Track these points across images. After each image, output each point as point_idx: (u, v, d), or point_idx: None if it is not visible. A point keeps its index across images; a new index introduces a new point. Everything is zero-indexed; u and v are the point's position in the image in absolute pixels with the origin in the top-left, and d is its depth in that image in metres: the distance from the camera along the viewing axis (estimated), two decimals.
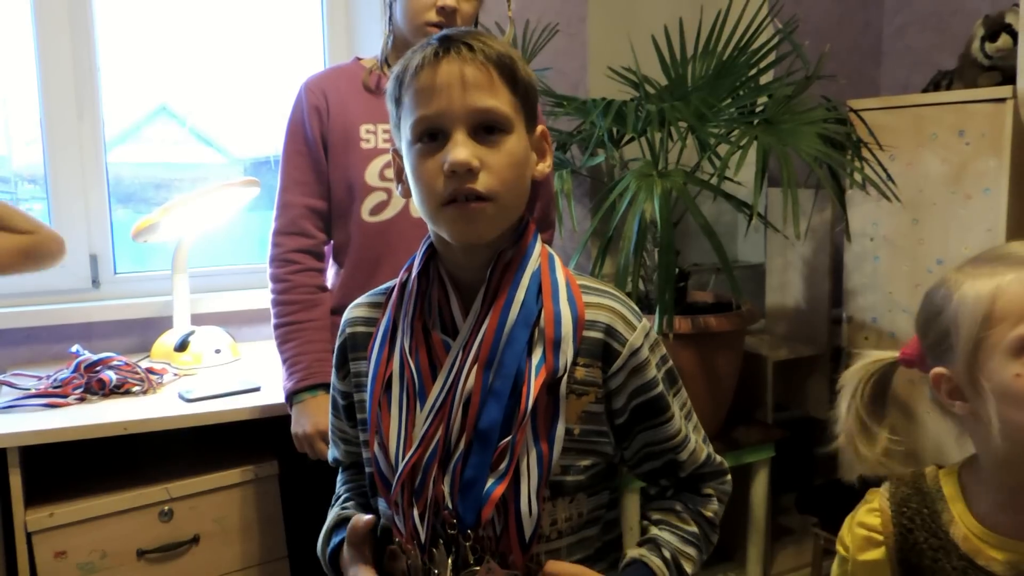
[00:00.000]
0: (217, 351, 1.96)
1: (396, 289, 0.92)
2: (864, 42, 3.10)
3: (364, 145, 1.54)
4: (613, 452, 0.91)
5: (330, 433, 1.04)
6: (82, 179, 2.07)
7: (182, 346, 1.92)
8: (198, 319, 2.06)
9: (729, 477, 0.98)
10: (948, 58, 2.71)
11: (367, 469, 0.95)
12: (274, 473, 1.68)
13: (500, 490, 0.80)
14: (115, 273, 2.13)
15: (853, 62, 3.05)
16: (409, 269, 0.92)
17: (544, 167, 0.91)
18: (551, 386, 0.83)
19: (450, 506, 0.82)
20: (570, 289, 0.88)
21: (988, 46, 2.26)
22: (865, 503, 1.00)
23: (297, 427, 1.50)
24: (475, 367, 0.82)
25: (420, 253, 0.91)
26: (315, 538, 1.00)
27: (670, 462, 0.93)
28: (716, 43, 2.05)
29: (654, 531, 0.92)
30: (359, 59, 1.66)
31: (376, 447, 0.87)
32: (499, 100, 0.82)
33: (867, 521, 0.98)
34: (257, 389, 1.71)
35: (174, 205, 1.91)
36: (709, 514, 0.94)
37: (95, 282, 2.09)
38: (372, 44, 2.28)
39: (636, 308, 0.91)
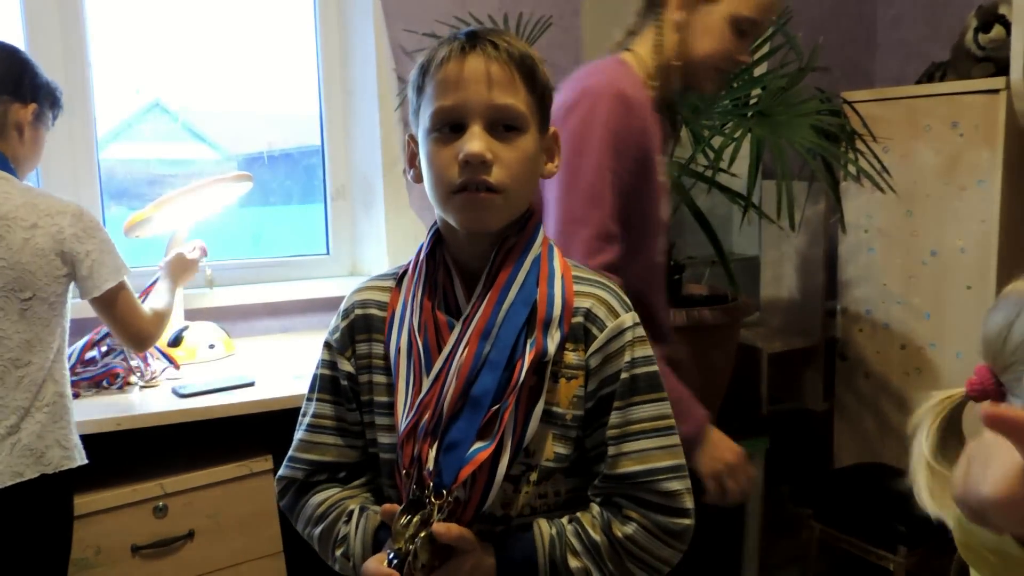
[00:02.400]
0: (211, 346, 1.96)
1: (411, 271, 0.94)
2: (858, 34, 3.10)
3: (660, 178, 1.35)
4: (583, 436, 0.92)
5: (310, 434, 0.97)
6: (74, 175, 2.06)
7: (176, 341, 1.92)
8: (192, 315, 2.05)
9: (681, 520, 0.88)
10: (941, 50, 2.71)
11: (371, 450, 0.95)
12: (268, 468, 1.67)
13: (484, 455, 0.83)
14: None
15: (847, 54, 3.05)
16: (419, 253, 0.95)
17: (552, 168, 0.94)
18: (539, 368, 0.86)
19: (431, 467, 0.84)
20: (563, 277, 0.91)
21: (981, 37, 2.26)
22: None
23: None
24: (472, 337, 0.86)
25: (428, 238, 0.94)
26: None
27: (603, 455, 0.90)
28: None
29: (564, 519, 0.90)
30: (622, 60, 1.36)
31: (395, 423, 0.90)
32: (517, 99, 0.85)
33: None
34: (251, 384, 1.71)
35: (167, 200, 1.90)
36: (620, 534, 0.87)
37: None
38: (364, 40, 2.28)
39: (628, 303, 0.93)
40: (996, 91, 2.15)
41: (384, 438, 0.93)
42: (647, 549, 0.87)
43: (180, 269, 1.88)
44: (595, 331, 0.89)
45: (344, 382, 0.96)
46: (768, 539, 2.63)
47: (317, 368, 0.99)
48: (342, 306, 0.98)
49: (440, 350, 0.88)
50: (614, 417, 0.88)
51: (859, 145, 2.07)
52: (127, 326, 1.51)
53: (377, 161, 2.29)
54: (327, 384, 0.97)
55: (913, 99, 2.38)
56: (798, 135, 1.82)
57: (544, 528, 0.89)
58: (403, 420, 0.88)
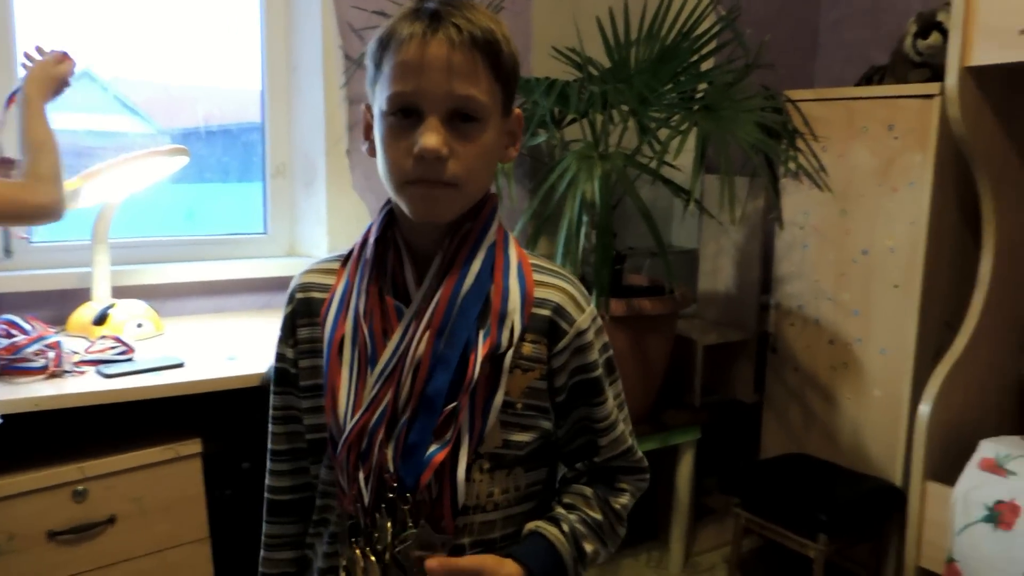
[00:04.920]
0: (139, 325, 1.89)
1: (356, 253, 0.92)
2: (800, 35, 3.16)
3: None
4: (552, 429, 0.93)
5: (274, 423, 0.99)
6: None
7: (101, 319, 1.84)
8: (119, 292, 1.97)
9: (648, 476, 0.99)
10: (881, 53, 2.78)
11: (308, 436, 0.95)
12: (197, 452, 1.63)
13: (441, 456, 0.83)
14: (31, 243, 2.02)
15: (789, 54, 3.11)
16: (367, 234, 0.92)
17: (514, 152, 0.92)
18: (494, 359, 0.85)
19: (391, 470, 0.83)
20: (521, 267, 0.90)
21: (920, 43, 2.32)
22: None
23: None
24: (427, 334, 0.84)
25: (380, 218, 0.92)
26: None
27: (591, 443, 0.94)
28: (660, 28, 2.05)
29: (559, 510, 0.93)
30: None
31: (329, 409, 0.88)
32: (479, 89, 0.82)
33: None
34: (180, 365, 1.65)
35: (96, 171, 1.82)
36: (617, 506, 0.95)
37: (7, 251, 1.98)
38: (310, 15, 2.22)
39: (586, 292, 0.93)
40: (931, 96, 2.22)
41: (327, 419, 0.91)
42: (629, 510, 0.96)
43: (44, 82, 1.55)
44: (564, 326, 0.89)
45: (292, 370, 0.95)
46: (695, 526, 2.69)
47: (272, 361, 0.99)
48: (292, 287, 0.97)
49: (385, 336, 0.86)
50: (597, 409, 0.92)
51: (799, 143, 2.11)
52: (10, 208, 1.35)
53: (320, 140, 2.24)
54: (279, 376, 0.98)
55: (852, 100, 2.43)
56: (742, 131, 1.85)
57: (552, 529, 0.90)
58: (348, 415, 0.86)
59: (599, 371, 0.92)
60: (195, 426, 1.67)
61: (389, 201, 0.91)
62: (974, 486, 2.08)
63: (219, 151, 2.37)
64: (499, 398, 0.85)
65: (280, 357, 0.97)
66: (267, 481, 1.00)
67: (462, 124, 0.82)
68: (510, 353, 0.86)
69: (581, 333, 0.89)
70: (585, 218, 1.83)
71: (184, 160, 1.96)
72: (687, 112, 1.91)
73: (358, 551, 0.85)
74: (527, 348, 0.88)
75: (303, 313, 0.94)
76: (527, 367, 0.88)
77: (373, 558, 0.84)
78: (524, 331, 0.87)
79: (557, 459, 0.98)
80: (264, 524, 1.01)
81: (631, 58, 2.06)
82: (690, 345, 2.65)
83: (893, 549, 2.38)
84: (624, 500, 0.95)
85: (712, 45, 2.06)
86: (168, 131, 2.29)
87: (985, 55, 1.98)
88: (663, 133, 1.89)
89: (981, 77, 2.04)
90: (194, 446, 1.63)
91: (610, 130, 1.96)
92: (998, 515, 2.00)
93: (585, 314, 0.90)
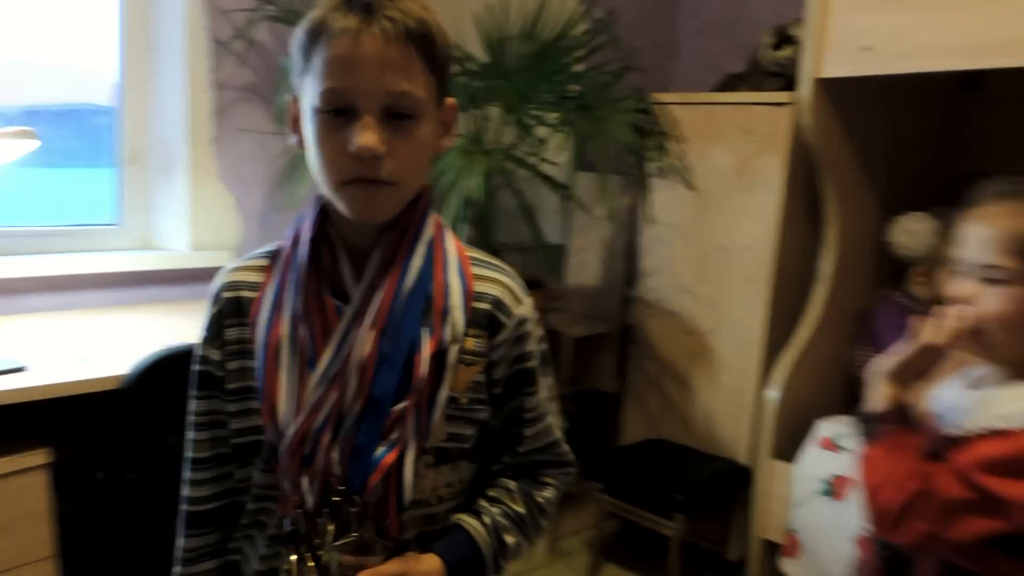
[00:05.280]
0: None
1: (287, 250, 0.89)
2: (662, 41, 3.28)
3: None
4: (490, 420, 0.93)
5: (196, 430, 0.94)
6: None
7: None
8: None
9: (573, 470, 1.00)
10: (735, 62, 2.94)
11: (235, 440, 0.90)
12: (42, 463, 1.50)
13: (390, 458, 0.82)
14: None
15: (651, 58, 3.22)
16: (298, 231, 0.89)
17: (448, 142, 0.91)
18: (438, 355, 0.85)
19: (338, 473, 0.82)
20: (460, 261, 0.90)
21: (775, 54, 2.47)
22: None
23: None
24: (372, 333, 0.83)
25: (312, 215, 0.88)
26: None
27: (517, 435, 0.95)
28: (537, 27, 2.07)
29: (482, 503, 0.94)
30: None
31: (266, 413, 0.85)
32: (414, 83, 0.80)
33: None
34: (21, 369, 1.50)
35: None
36: (540, 499, 0.96)
37: None
38: None
39: (523, 283, 0.94)
40: (784, 104, 2.37)
41: (260, 421, 0.87)
42: (554, 504, 0.98)
43: None
44: (503, 319, 0.90)
45: (218, 373, 0.91)
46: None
47: (193, 364, 0.93)
48: (210, 291, 0.92)
49: (325, 336, 0.83)
50: (528, 399, 0.93)
51: (666, 144, 2.20)
52: None
53: (181, 126, 2.10)
54: (203, 379, 0.92)
55: (713, 105, 2.57)
56: (617, 131, 1.90)
57: (472, 522, 0.91)
58: (289, 418, 0.83)
59: (534, 362, 0.93)
60: (41, 435, 1.53)
61: (320, 197, 0.88)
62: (813, 463, 2.27)
63: (67, 134, 2.18)
64: (444, 394, 0.85)
65: (204, 360, 0.92)
66: (185, 492, 0.95)
67: (398, 120, 0.80)
68: (455, 349, 0.86)
69: (519, 324, 0.91)
70: (464, 213, 1.83)
71: (33, 144, 1.77)
72: (565, 111, 1.95)
73: (295, 557, 0.84)
74: (469, 342, 0.88)
75: (231, 313, 0.90)
76: (470, 361, 0.88)
77: (312, 563, 0.83)
78: (467, 326, 0.87)
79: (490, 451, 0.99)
80: (181, 538, 0.95)
81: (509, 56, 2.07)
82: (558, 338, 2.71)
83: (740, 524, 2.55)
84: (547, 494, 0.96)
85: (588, 47, 2.10)
86: (5, 109, 2.08)
87: (834, 68, 2.15)
88: (541, 131, 1.91)
89: (830, 88, 2.21)
90: (39, 457, 1.50)
91: (487, 127, 1.97)
92: (833, 488, 2.20)
93: (523, 306, 0.92)
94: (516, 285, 0.92)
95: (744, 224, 2.52)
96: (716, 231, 2.60)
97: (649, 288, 2.79)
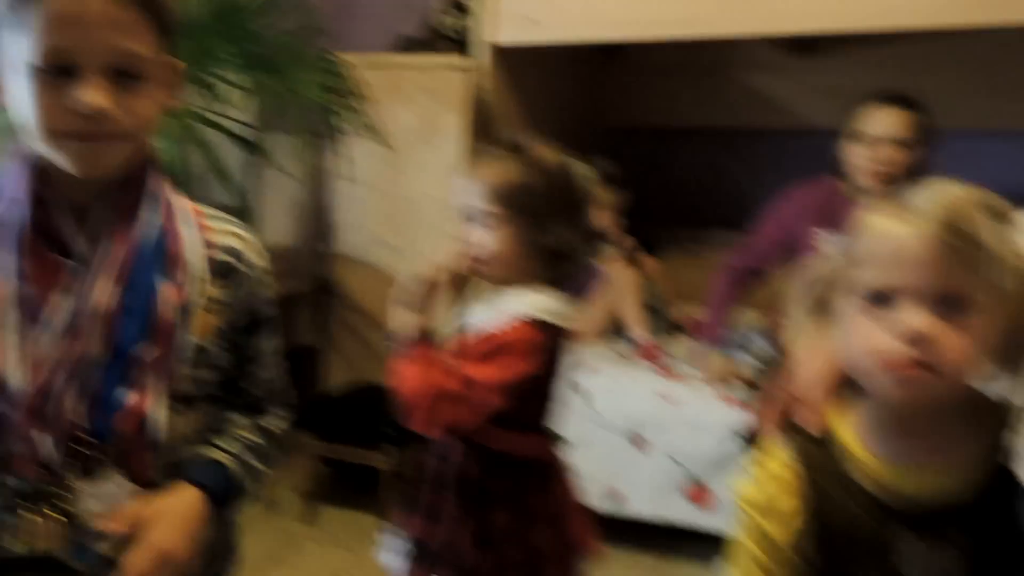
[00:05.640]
0: None
1: None
2: (337, 1, 3.30)
3: None
4: (228, 366, 0.97)
5: None
6: None
7: None
8: None
9: (290, 413, 1.07)
10: (406, 25, 3.06)
11: None
12: None
13: (134, 400, 0.83)
14: None
15: (328, 19, 3.23)
16: (3, 190, 0.85)
17: (173, 100, 0.91)
18: (181, 304, 0.87)
19: (86, 425, 0.83)
20: (192, 213, 0.92)
21: (448, 20, 2.67)
22: (766, 458, 0.88)
23: None
24: (110, 285, 0.83)
25: (24, 172, 0.85)
26: None
27: (250, 375, 0.99)
28: None
29: (217, 438, 0.96)
30: None
31: None
32: (140, 43, 0.80)
33: (776, 472, 0.86)
34: None
35: None
36: (271, 428, 1.01)
37: None
38: None
39: (256, 239, 0.98)
40: (462, 69, 2.59)
41: None
42: (284, 435, 1.03)
43: None
44: (242, 268, 0.93)
45: None
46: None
47: None
48: None
49: (54, 293, 0.82)
50: (262, 343, 0.98)
51: (354, 103, 2.29)
52: None
53: None
54: None
55: (395, 68, 2.71)
56: (308, 91, 1.95)
57: (216, 453, 0.93)
58: (20, 378, 0.80)
59: (270, 310, 0.99)
60: None
61: (30, 155, 0.85)
62: None
63: None
64: (187, 339, 0.87)
65: None
66: None
67: (123, 78, 0.80)
68: (196, 296, 0.88)
69: (259, 273, 0.96)
70: None
71: None
72: (251, 71, 1.94)
73: (39, 517, 0.83)
74: (210, 291, 0.91)
75: None
76: (211, 308, 0.91)
77: (61, 519, 0.83)
78: (206, 274, 0.90)
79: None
80: None
81: (187, 14, 2.00)
82: None
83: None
84: (277, 423, 1.02)
85: (267, 4, 2.10)
86: None
87: (507, 37, 2.41)
88: (229, 92, 1.90)
89: (504, 54, 2.48)
90: None
91: None
92: None
93: (262, 257, 0.97)
94: (250, 237, 0.96)
95: (429, 177, 2.72)
96: (404, 185, 2.76)
97: (346, 244, 2.89)
